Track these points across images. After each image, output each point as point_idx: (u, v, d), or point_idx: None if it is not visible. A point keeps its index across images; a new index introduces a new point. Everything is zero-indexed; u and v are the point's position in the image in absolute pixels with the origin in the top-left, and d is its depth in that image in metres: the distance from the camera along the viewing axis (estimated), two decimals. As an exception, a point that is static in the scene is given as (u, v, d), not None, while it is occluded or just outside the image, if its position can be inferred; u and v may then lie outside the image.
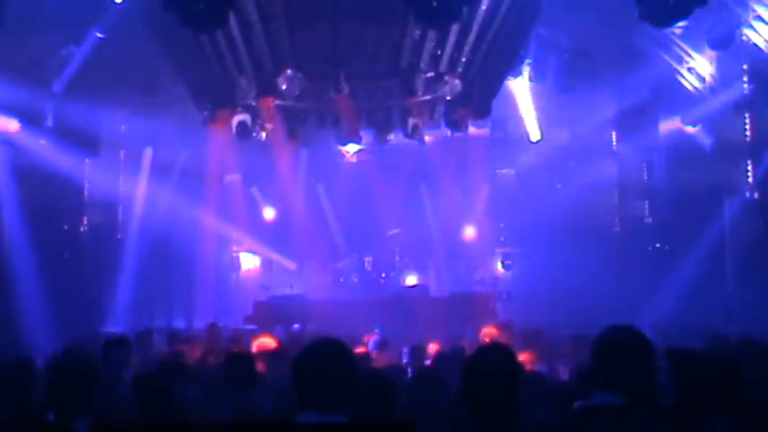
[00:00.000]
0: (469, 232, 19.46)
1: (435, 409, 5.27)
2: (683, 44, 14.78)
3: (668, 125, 16.66)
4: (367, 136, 16.46)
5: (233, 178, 19.06)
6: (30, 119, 14.70)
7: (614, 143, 18.54)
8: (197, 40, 12.02)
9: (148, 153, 18.22)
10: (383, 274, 18.41)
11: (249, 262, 19.72)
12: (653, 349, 3.65)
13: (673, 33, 14.19)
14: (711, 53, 14.34)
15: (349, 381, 3.58)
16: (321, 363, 3.57)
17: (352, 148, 18.33)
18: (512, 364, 3.86)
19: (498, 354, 3.92)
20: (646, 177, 18.28)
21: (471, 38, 12.37)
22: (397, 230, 18.56)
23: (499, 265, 19.14)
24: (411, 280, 18.39)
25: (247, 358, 6.05)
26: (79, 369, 4.01)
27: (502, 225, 19.36)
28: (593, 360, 3.74)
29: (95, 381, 4.02)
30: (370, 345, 9.51)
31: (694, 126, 15.82)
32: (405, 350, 9.54)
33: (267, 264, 19.59)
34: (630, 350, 3.64)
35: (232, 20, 11.03)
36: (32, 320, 13.59)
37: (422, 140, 15.91)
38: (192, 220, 17.58)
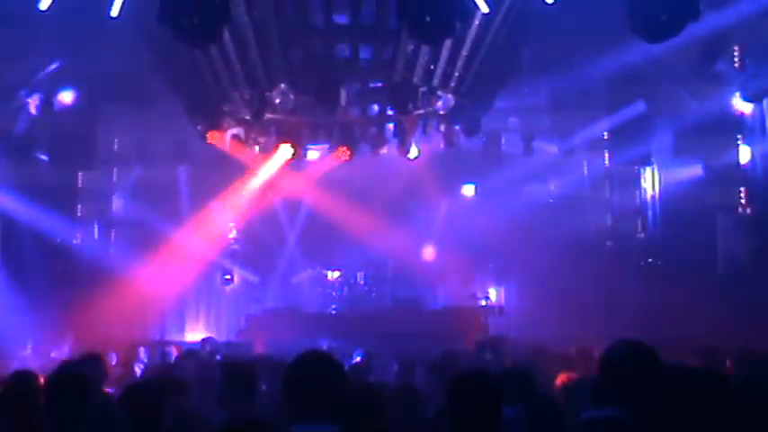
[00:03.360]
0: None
1: (417, 425, 5.31)
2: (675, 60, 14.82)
3: (661, 141, 16.69)
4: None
5: None
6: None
7: (607, 159, 18.57)
8: (191, 53, 12.04)
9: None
10: (375, 288, 18.37)
11: (242, 276, 19.63)
12: (660, 364, 3.68)
13: (664, 48, 14.21)
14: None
15: (340, 392, 3.58)
16: (312, 374, 3.57)
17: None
18: (495, 387, 4.01)
19: (484, 377, 4.10)
20: (638, 193, 18.29)
21: (464, 53, 12.44)
22: None
23: (492, 288, 19.05)
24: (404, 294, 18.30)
25: (248, 370, 5.99)
26: (75, 384, 4.04)
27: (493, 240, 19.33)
28: (601, 373, 3.78)
29: (90, 395, 4.06)
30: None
31: (688, 142, 15.84)
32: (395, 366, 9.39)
33: (260, 278, 19.49)
34: (638, 364, 3.67)
35: (226, 34, 11.05)
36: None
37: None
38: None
